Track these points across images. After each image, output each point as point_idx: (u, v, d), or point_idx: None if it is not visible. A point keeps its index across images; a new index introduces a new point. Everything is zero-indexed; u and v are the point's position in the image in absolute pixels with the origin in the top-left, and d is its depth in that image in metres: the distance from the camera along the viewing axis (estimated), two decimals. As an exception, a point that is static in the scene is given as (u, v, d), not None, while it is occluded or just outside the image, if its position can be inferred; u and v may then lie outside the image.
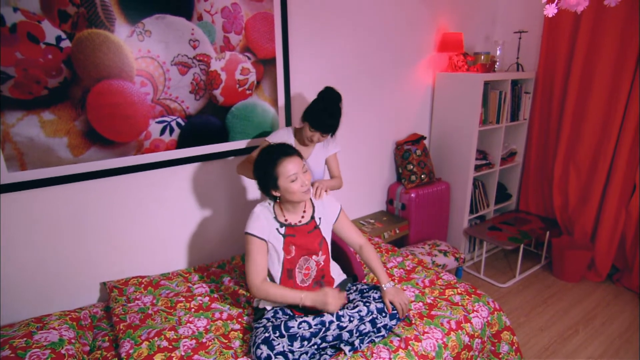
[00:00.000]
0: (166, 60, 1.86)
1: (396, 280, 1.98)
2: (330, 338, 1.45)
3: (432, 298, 1.82)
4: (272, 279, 1.62)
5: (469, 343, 1.64)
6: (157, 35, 1.81)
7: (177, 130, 1.98)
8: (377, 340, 1.53)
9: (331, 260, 1.74)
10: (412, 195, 2.86)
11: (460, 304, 1.77)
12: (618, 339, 2.37)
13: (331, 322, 1.44)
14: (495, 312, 1.79)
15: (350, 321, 1.47)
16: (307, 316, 1.47)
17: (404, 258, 2.19)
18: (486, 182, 3.25)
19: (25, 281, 1.75)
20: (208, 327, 1.65)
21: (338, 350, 1.50)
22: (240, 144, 2.20)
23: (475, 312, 1.73)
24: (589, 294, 2.82)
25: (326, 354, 1.48)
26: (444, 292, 1.86)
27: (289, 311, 1.59)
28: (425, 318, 1.68)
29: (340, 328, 1.45)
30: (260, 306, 1.63)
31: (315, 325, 1.43)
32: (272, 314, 1.56)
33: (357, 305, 1.54)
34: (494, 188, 3.23)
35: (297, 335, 1.41)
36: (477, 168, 3.04)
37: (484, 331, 1.72)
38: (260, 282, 1.54)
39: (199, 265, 2.17)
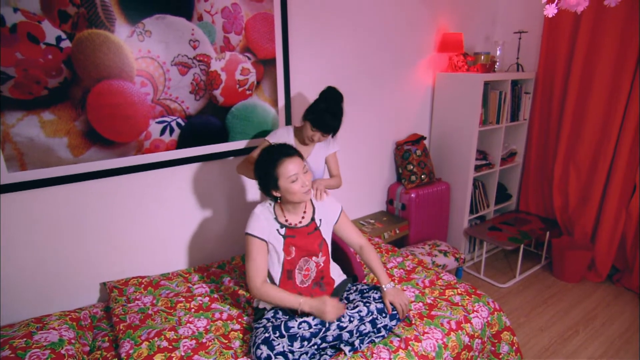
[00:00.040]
0: (166, 60, 1.86)
1: (396, 281, 1.98)
2: (330, 338, 1.45)
3: (432, 298, 1.82)
4: (271, 280, 1.62)
5: (469, 343, 1.64)
6: (157, 36, 1.81)
7: (177, 131, 1.98)
8: (377, 340, 1.53)
9: (331, 261, 1.73)
10: (412, 195, 2.86)
11: (460, 304, 1.77)
12: (618, 339, 2.37)
13: (331, 322, 1.44)
14: (496, 313, 1.79)
15: (350, 321, 1.47)
16: (307, 316, 1.47)
17: (404, 258, 2.19)
18: (486, 182, 3.25)
19: (25, 281, 1.75)
20: (208, 327, 1.65)
21: (338, 350, 1.50)
22: (241, 144, 2.21)
23: (475, 313, 1.73)
24: (589, 295, 2.82)
25: (326, 354, 1.48)
26: (444, 293, 1.86)
27: (289, 311, 1.59)
28: (425, 318, 1.68)
29: (341, 328, 1.45)
30: (260, 306, 1.63)
31: (316, 325, 1.43)
32: (272, 314, 1.56)
33: (357, 306, 1.54)
34: (494, 188, 3.23)
35: (297, 336, 1.41)
36: (477, 168, 3.04)
37: (484, 331, 1.72)
38: (261, 283, 1.54)
39: (199, 266, 2.17)
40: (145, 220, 2.01)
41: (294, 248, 1.58)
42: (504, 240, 2.82)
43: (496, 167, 3.15)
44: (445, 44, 2.90)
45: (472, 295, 1.82)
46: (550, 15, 1.53)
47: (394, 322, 1.57)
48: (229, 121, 2.13)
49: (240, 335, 1.62)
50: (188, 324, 1.64)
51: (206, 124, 2.06)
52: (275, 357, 1.35)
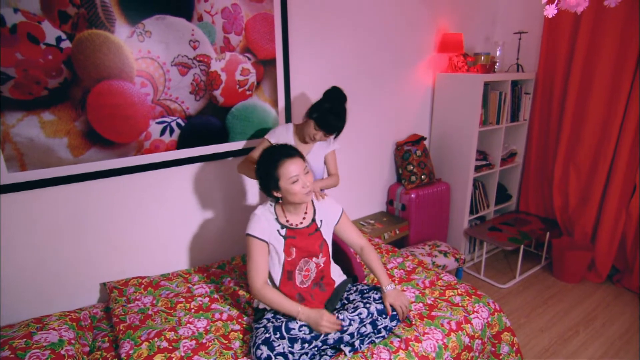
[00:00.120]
0: (166, 60, 1.86)
1: (396, 281, 1.98)
2: (331, 341, 1.45)
3: (432, 299, 1.82)
4: (272, 280, 1.62)
5: (469, 344, 1.64)
6: (158, 36, 1.81)
7: (177, 131, 1.98)
8: (377, 341, 1.53)
9: (332, 262, 1.73)
10: (412, 195, 2.86)
11: (460, 304, 1.77)
12: (618, 340, 2.37)
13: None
14: (496, 313, 1.78)
15: (351, 324, 1.47)
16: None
17: (404, 259, 2.19)
18: (486, 182, 3.25)
19: (25, 281, 1.74)
20: (208, 327, 1.65)
21: (338, 351, 1.50)
22: (241, 145, 2.20)
23: (475, 313, 1.72)
24: (589, 295, 2.81)
25: (326, 354, 1.48)
26: (444, 293, 1.86)
27: (289, 312, 1.59)
28: (425, 319, 1.67)
29: (342, 331, 1.46)
30: (260, 307, 1.63)
31: (316, 327, 1.44)
32: (272, 315, 1.56)
33: (357, 307, 1.54)
34: (494, 189, 3.23)
35: (298, 338, 1.41)
36: (477, 169, 3.04)
37: (484, 332, 1.72)
38: (261, 285, 1.53)
39: (199, 266, 2.16)
40: (145, 221, 2.01)
41: (294, 249, 1.58)
42: (504, 240, 2.82)
43: (496, 168, 3.15)
44: (445, 45, 2.90)
45: (472, 296, 1.82)
46: (550, 16, 1.53)
47: (394, 323, 1.57)
48: (229, 121, 2.13)
49: (240, 335, 1.62)
50: (188, 325, 1.64)
51: (206, 125, 2.06)
52: (275, 358, 1.35)
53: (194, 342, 1.52)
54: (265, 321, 1.53)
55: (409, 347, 1.51)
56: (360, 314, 1.50)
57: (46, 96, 1.62)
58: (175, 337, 1.53)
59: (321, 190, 1.92)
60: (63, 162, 1.71)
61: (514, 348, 1.80)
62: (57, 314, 1.66)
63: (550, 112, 3.10)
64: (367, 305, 1.54)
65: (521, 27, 3.12)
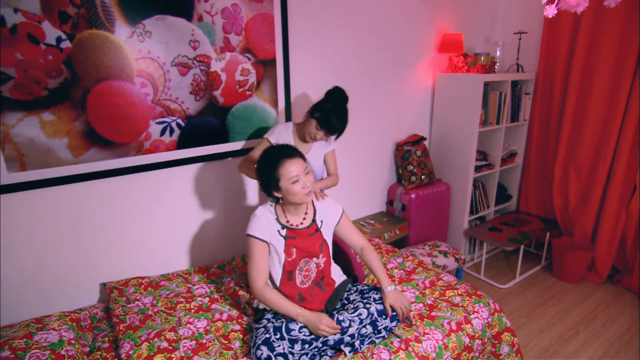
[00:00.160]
0: (166, 61, 1.86)
1: (396, 281, 1.98)
2: (331, 342, 1.46)
3: (432, 299, 1.82)
4: (272, 281, 1.62)
5: (470, 344, 1.64)
6: (158, 36, 1.81)
7: (177, 131, 1.98)
8: (377, 341, 1.53)
9: (332, 262, 1.73)
10: (412, 196, 2.86)
11: (460, 305, 1.77)
12: (618, 340, 2.37)
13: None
14: (496, 313, 1.78)
15: (351, 325, 1.47)
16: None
17: (404, 259, 2.19)
18: (486, 183, 3.25)
19: (25, 282, 1.74)
20: (208, 328, 1.65)
21: (338, 351, 1.50)
22: (241, 145, 2.20)
23: (475, 313, 1.72)
24: (589, 295, 2.81)
25: (326, 354, 1.48)
26: (445, 293, 1.86)
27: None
28: (425, 319, 1.67)
29: (342, 332, 1.46)
30: (261, 307, 1.63)
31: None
32: (272, 315, 1.56)
33: (357, 307, 1.54)
34: (494, 189, 3.23)
35: (298, 339, 1.41)
36: (477, 169, 3.04)
37: (485, 332, 1.72)
38: (262, 285, 1.53)
39: (199, 266, 2.16)
40: (145, 221, 2.00)
41: (294, 249, 1.58)
42: (504, 240, 2.82)
43: (496, 168, 3.15)
44: (445, 45, 2.90)
45: (473, 296, 1.82)
46: (550, 16, 1.53)
47: (394, 323, 1.57)
48: (229, 122, 2.13)
49: (241, 336, 1.62)
50: (188, 325, 1.64)
51: (206, 125, 2.06)
52: (275, 358, 1.35)
53: (194, 342, 1.52)
54: (265, 321, 1.53)
55: (409, 348, 1.51)
56: (361, 314, 1.50)
57: (46, 96, 1.62)
58: (175, 338, 1.53)
59: (321, 190, 1.92)
60: (63, 162, 1.71)
61: (514, 348, 1.80)
62: (57, 314, 1.66)
63: (550, 112, 3.10)
64: (367, 305, 1.54)
65: (521, 27, 3.12)
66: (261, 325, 1.50)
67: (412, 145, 2.92)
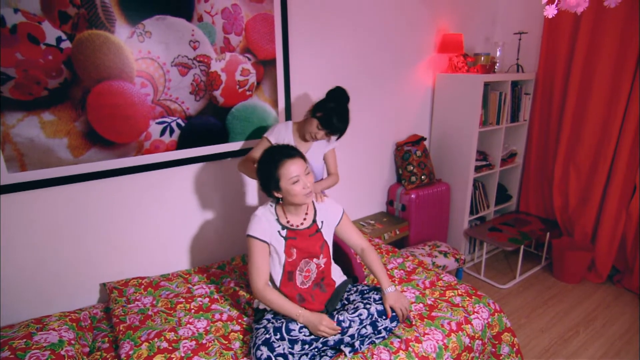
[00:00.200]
0: (166, 61, 1.86)
1: (396, 282, 1.98)
2: (331, 342, 1.46)
3: (432, 299, 1.82)
4: (272, 281, 1.62)
5: (470, 344, 1.64)
6: (158, 36, 1.81)
7: (177, 131, 1.98)
8: (377, 341, 1.53)
9: (333, 262, 1.73)
10: (412, 196, 2.86)
11: (460, 305, 1.77)
12: (619, 340, 2.37)
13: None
14: (496, 314, 1.78)
15: (351, 325, 1.47)
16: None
17: (404, 259, 2.19)
18: (486, 183, 3.25)
19: (25, 282, 1.74)
20: (208, 328, 1.65)
21: (338, 351, 1.50)
22: (241, 145, 2.20)
23: (475, 314, 1.72)
24: (589, 295, 2.81)
25: (326, 355, 1.48)
26: (445, 294, 1.86)
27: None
28: (425, 319, 1.67)
29: (342, 333, 1.46)
30: (261, 307, 1.63)
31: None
32: (273, 315, 1.56)
33: (357, 308, 1.54)
34: (494, 189, 3.23)
35: (298, 339, 1.41)
36: (477, 169, 3.04)
37: (485, 332, 1.72)
38: (263, 286, 1.53)
39: (199, 266, 2.16)
40: (145, 221, 2.00)
41: (295, 250, 1.58)
42: (504, 241, 2.82)
43: (496, 168, 3.15)
44: (446, 45, 2.90)
45: (473, 297, 1.82)
46: (550, 16, 1.53)
47: (394, 324, 1.57)
48: (229, 122, 2.13)
49: (241, 336, 1.61)
50: (188, 325, 1.64)
51: (206, 125, 2.06)
52: (275, 358, 1.34)
53: (194, 342, 1.52)
54: (265, 322, 1.53)
55: (409, 348, 1.51)
56: (361, 315, 1.50)
57: (46, 96, 1.62)
58: (175, 338, 1.53)
59: (322, 191, 1.91)
60: (63, 162, 1.71)
61: (514, 348, 1.80)
62: (57, 315, 1.66)
63: (550, 112, 3.10)
64: (367, 306, 1.54)
65: (521, 27, 3.12)
66: (261, 326, 1.50)
67: (412, 146, 2.92)
